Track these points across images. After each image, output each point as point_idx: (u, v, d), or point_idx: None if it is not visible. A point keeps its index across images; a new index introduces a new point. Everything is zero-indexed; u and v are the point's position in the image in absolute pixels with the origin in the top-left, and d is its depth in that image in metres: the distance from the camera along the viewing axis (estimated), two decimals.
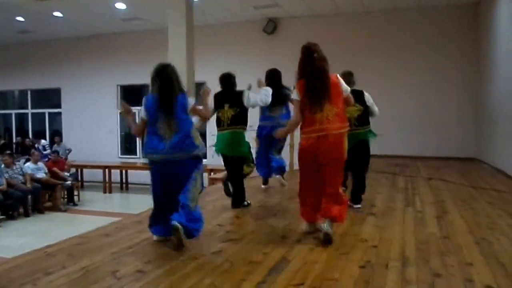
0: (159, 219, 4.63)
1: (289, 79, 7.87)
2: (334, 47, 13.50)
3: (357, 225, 5.40)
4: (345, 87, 4.79)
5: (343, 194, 4.87)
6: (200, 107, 4.92)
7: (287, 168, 8.61)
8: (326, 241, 4.59)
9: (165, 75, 4.47)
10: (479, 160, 12.69)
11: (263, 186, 8.22)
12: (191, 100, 4.61)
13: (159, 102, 4.41)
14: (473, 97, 13.52)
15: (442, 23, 13.78)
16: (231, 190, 6.64)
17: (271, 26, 15.24)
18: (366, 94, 6.39)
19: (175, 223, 4.25)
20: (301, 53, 4.80)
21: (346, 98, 4.82)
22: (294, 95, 4.82)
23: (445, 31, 13.74)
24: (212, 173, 12.73)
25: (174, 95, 4.43)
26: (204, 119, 5.31)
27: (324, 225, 4.62)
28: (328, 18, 14.78)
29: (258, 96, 6.47)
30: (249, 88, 6.76)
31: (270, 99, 6.62)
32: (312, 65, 4.64)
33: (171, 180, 4.45)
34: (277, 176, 7.88)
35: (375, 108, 6.55)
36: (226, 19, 15.41)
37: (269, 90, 6.67)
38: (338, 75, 4.79)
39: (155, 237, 4.76)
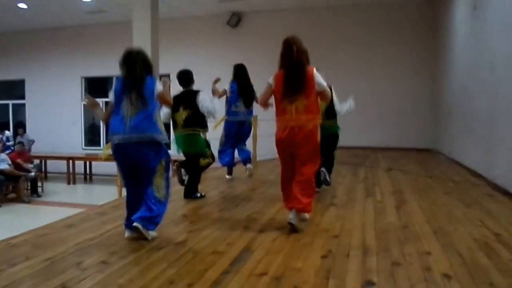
0: (130, 211, 4.54)
1: (253, 72, 8.02)
2: None
3: (318, 215, 5.47)
4: (320, 82, 4.86)
5: (313, 185, 5.01)
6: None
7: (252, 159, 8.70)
8: (292, 230, 4.74)
9: (132, 58, 4.44)
10: (436, 151, 13.11)
11: (227, 176, 8.30)
12: (159, 85, 4.53)
13: (125, 82, 4.39)
14: (430, 90, 14.05)
15: (401, 18, 14.25)
16: (183, 177, 6.60)
17: (235, 20, 15.37)
18: (333, 90, 6.55)
19: (136, 224, 4.29)
20: (282, 46, 4.93)
21: (321, 93, 4.92)
22: (270, 79, 5.01)
23: (404, 27, 14.22)
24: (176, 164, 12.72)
25: (140, 76, 4.40)
26: (168, 106, 5.43)
27: (291, 216, 4.78)
28: (291, 13, 15.01)
29: (207, 104, 6.28)
30: (216, 81, 6.85)
31: (214, 113, 6.41)
32: (290, 57, 4.79)
33: (134, 165, 4.39)
34: (248, 165, 8.15)
35: (340, 107, 6.80)
36: (191, 12, 15.43)
37: (216, 106, 6.41)
38: (315, 69, 4.89)
39: (126, 233, 4.60)
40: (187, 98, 6.26)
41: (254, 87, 8.08)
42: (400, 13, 14.19)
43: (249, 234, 4.73)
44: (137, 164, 4.38)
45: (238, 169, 8.66)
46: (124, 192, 5.22)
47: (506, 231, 4.77)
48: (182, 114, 6.24)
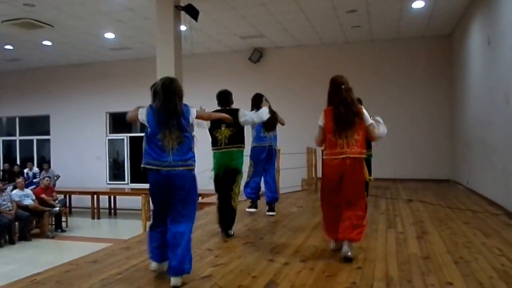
0: (157, 235, 4.50)
1: (274, 105, 8.18)
2: (316, 75, 13.95)
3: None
4: (368, 119, 5.17)
5: (365, 216, 5.21)
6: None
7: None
8: (346, 260, 4.91)
9: (169, 88, 4.40)
10: (454, 182, 13.21)
11: (252, 210, 8.27)
12: (193, 111, 4.59)
13: (164, 113, 4.33)
14: (447, 122, 14.19)
15: (418, 53, 14.47)
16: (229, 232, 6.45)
17: (257, 55, 15.72)
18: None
19: (175, 282, 4.20)
20: (330, 84, 5.25)
21: (368, 128, 5.18)
22: (319, 120, 5.24)
23: (421, 60, 14.44)
24: (200, 198, 12.79)
25: (178, 108, 4.38)
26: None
27: (347, 251, 4.94)
28: (311, 48, 15.34)
29: (254, 113, 6.61)
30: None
31: (267, 116, 6.68)
32: (339, 95, 5.08)
33: (171, 192, 4.33)
34: (271, 213, 8.09)
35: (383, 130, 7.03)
36: (213, 48, 15.80)
37: (266, 111, 6.69)
38: (363, 107, 5.20)
39: (153, 265, 4.64)
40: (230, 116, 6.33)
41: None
42: (416, 47, 14.45)
43: (274, 267, 4.79)
44: (175, 191, 4.33)
45: (262, 202, 8.70)
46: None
47: None
48: (225, 132, 6.33)
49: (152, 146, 4.34)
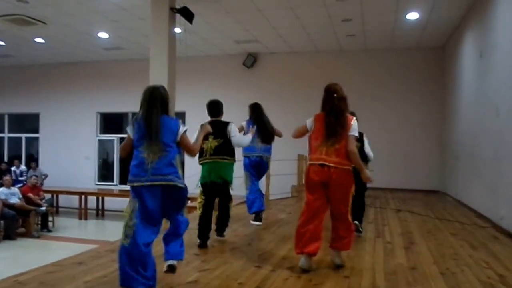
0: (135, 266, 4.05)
1: (267, 110, 8.15)
2: (310, 82, 13.98)
3: (329, 255, 5.45)
4: (353, 131, 5.03)
5: (351, 223, 5.17)
6: (191, 140, 4.56)
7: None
8: (338, 267, 5.04)
9: (151, 98, 4.20)
10: (443, 193, 13.30)
11: (257, 223, 7.88)
12: (182, 128, 4.29)
13: (144, 125, 4.12)
14: (438, 134, 14.28)
15: (411, 63, 14.54)
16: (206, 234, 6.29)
17: (251, 60, 15.74)
18: (365, 137, 6.93)
19: (172, 262, 4.20)
20: (324, 92, 5.21)
21: (348, 137, 5.03)
22: (308, 122, 5.22)
23: (414, 71, 14.51)
24: (189, 202, 12.76)
25: (158, 119, 4.13)
26: (191, 154, 4.69)
27: (336, 259, 5.10)
28: (305, 55, 15.36)
29: (238, 136, 6.39)
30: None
31: (244, 145, 6.73)
32: (331, 104, 5.06)
33: (152, 208, 4.11)
34: (258, 223, 7.88)
35: (370, 154, 7.07)
36: (208, 51, 15.80)
37: (248, 139, 6.66)
38: (354, 118, 5.16)
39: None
40: (218, 128, 6.18)
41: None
42: (410, 58, 14.53)
43: (261, 273, 4.78)
44: (160, 206, 4.16)
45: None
46: None
47: (510, 273, 4.88)
48: (212, 143, 6.18)
49: (135, 160, 4.15)
